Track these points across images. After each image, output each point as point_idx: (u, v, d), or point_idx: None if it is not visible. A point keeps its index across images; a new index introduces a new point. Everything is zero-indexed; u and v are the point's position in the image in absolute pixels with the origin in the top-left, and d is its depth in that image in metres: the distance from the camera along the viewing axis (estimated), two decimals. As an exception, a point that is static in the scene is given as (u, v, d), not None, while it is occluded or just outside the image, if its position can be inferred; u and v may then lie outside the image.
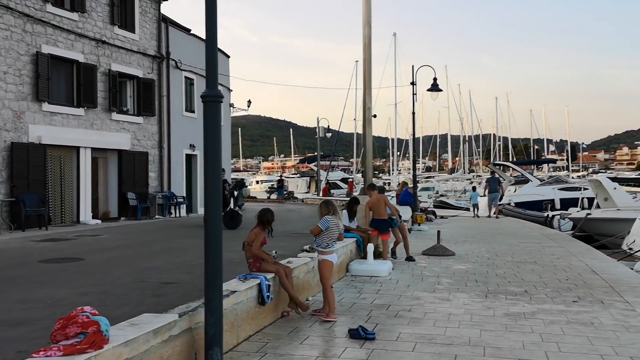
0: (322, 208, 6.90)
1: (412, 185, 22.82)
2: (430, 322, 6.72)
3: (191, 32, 23.88)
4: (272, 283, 6.72)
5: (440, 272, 10.32)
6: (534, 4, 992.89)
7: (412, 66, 22.41)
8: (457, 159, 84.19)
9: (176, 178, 21.99)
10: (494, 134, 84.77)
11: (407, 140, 65.67)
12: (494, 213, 24.47)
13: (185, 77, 22.96)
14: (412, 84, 22.18)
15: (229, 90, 27.01)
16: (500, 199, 25.49)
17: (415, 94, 22.28)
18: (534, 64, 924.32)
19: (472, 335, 6.11)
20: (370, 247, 10.24)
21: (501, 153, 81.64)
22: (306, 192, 43.95)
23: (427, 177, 64.76)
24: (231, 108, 27.35)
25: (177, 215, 21.24)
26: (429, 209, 24.70)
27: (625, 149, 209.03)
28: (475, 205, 25.72)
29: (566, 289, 8.61)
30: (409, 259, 11.61)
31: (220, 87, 22.49)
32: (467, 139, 75.62)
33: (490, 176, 28.79)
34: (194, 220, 20.12)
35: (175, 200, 21.32)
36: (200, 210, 23.51)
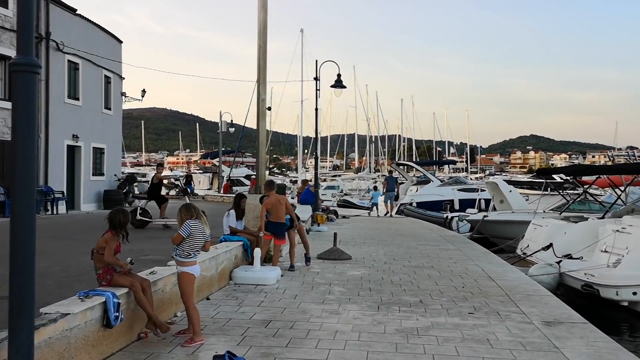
0: (182, 213, 5.80)
1: (314, 184, 22.13)
2: (312, 343, 5.85)
3: (77, 13, 21.77)
4: (125, 300, 5.58)
5: (334, 279, 9.54)
6: (437, 12, 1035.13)
7: (316, 61, 21.71)
8: (363, 158, 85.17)
9: (55, 171, 19.88)
10: (399, 135, 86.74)
11: (314, 138, 65.37)
12: (393, 212, 24.74)
13: (69, 60, 20.86)
14: (316, 79, 21.45)
15: (121, 78, 24.99)
16: (396, 199, 25.58)
17: (319, 90, 21.58)
18: (437, 69, 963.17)
19: (357, 360, 5.29)
20: (257, 252, 9.26)
21: (405, 154, 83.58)
22: (208, 189, 42.22)
23: (333, 176, 64.80)
24: (123, 97, 25.31)
25: (55, 212, 19.17)
26: (331, 208, 24.13)
27: (519, 153, 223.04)
28: (376, 205, 25.62)
29: (462, 298, 8.08)
30: (307, 259, 10.96)
31: (111, 74, 20.38)
32: (373, 139, 76.68)
33: (388, 175, 28.90)
34: (73, 218, 18.25)
35: (52, 195, 19.24)
36: (84, 207, 21.55)
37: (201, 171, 49.83)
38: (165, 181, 16.50)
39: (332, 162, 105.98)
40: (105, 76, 23.26)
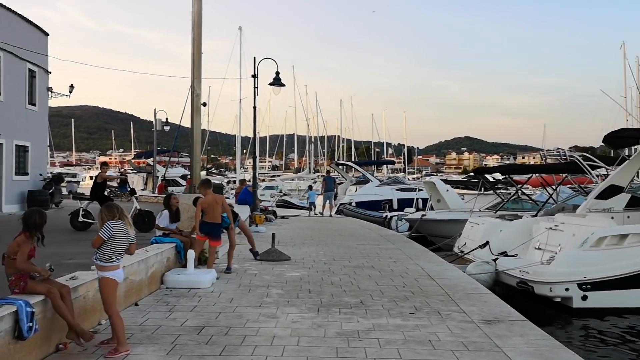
0: (103, 213, 5.33)
1: (252, 184, 21.69)
2: (248, 350, 5.51)
3: (-1, 1, 20.40)
4: (41, 308, 5.07)
5: (272, 281, 9.22)
6: (370, 16, 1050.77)
7: (254, 58, 21.25)
8: (303, 158, 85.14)
9: (-27, 170, 18.57)
10: (338, 136, 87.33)
11: (252, 137, 64.57)
12: (332, 211, 24.74)
13: (-11, 52, 19.51)
14: (254, 76, 21.00)
15: (47, 72, 23.65)
16: (335, 198, 25.64)
17: (257, 87, 21.13)
18: (376, 70, 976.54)
19: (296, 367, 5.00)
20: (191, 254, 8.81)
21: (345, 154, 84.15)
22: (142, 189, 40.82)
23: (272, 176, 64.36)
24: (49, 93, 23.95)
25: (-27, 214, 17.89)
26: (270, 209, 23.75)
27: (454, 154, 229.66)
28: (313, 204, 25.50)
29: (403, 298, 7.94)
30: (255, 254, 11.45)
31: (36, 68, 19.14)
32: (313, 139, 76.79)
33: (326, 175, 28.86)
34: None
35: (-30, 196, 17.94)
36: (6, 208, 20.23)
37: (135, 171, 48.18)
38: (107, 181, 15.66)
39: (271, 162, 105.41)
40: (30, 70, 21.92)
